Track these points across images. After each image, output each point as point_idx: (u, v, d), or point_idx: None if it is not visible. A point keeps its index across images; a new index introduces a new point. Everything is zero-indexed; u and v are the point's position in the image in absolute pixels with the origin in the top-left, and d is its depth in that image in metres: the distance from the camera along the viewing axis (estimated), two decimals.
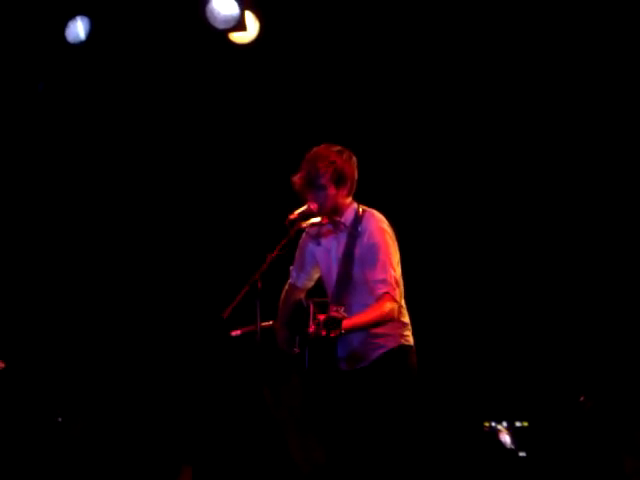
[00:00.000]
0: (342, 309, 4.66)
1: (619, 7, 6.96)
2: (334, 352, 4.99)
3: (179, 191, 8.00)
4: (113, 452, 7.36)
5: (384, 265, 4.92)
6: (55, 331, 7.90)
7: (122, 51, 7.58)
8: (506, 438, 7.18)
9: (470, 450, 7.16)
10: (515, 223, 7.43)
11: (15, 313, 7.71)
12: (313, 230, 5.15)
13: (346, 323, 4.64)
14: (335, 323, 4.59)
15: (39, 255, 7.99)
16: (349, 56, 7.46)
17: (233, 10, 7.04)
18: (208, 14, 7.04)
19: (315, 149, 5.06)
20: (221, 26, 7.08)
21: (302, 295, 5.23)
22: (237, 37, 7.17)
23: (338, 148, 5.06)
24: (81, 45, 7.35)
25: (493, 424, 7.20)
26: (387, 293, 4.87)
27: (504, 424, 7.19)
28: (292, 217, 4.99)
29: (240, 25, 7.05)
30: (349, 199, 5.09)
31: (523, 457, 7.10)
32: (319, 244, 5.15)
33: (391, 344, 4.97)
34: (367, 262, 4.95)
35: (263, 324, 4.98)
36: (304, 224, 5.05)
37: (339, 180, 5.01)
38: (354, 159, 5.08)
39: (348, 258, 4.99)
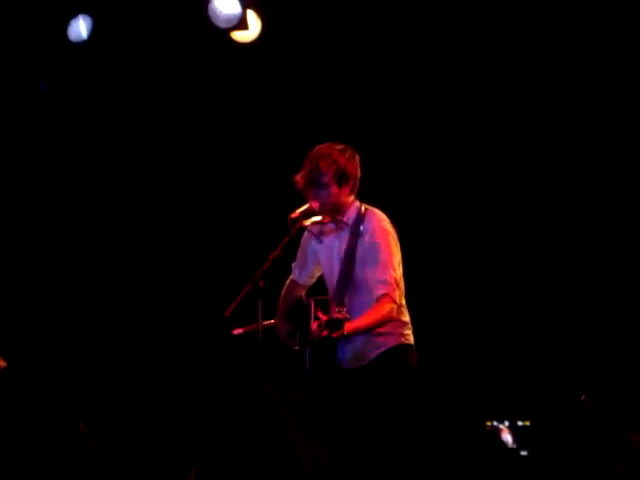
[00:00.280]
0: (344, 310, 4.66)
1: (619, 7, 6.97)
2: (335, 352, 4.98)
3: (181, 190, 7.99)
4: (113, 452, 7.36)
5: (385, 265, 4.91)
6: (56, 331, 7.89)
7: (124, 50, 7.58)
8: (508, 437, 7.18)
9: (472, 449, 7.16)
10: (516, 222, 7.42)
11: (16, 313, 7.70)
12: (315, 228, 5.14)
13: (347, 327, 4.64)
14: (337, 324, 4.60)
15: (39, 255, 7.98)
16: (352, 54, 7.45)
17: (235, 9, 7.04)
18: (210, 13, 7.05)
19: (318, 147, 5.04)
20: (223, 25, 7.08)
21: (303, 292, 5.22)
22: (239, 36, 7.17)
23: (341, 146, 5.04)
24: (83, 44, 7.36)
25: (495, 423, 7.20)
26: (386, 294, 4.87)
27: (506, 423, 7.19)
28: (294, 216, 4.99)
29: (242, 24, 7.05)
30: (352, 198, 5.07)
31: (525, 456, 7.10)
32: (321, 242, 5.14)
33: (391, 343, 4.96)
34: (368, 262, 4.94)
35: (265, 323, 4.97)
36: (306, 222, 5.04)
37: (342, 179, 4.99)
38: (357, 157, 5.06)
39: (350, 257, 4.98)
